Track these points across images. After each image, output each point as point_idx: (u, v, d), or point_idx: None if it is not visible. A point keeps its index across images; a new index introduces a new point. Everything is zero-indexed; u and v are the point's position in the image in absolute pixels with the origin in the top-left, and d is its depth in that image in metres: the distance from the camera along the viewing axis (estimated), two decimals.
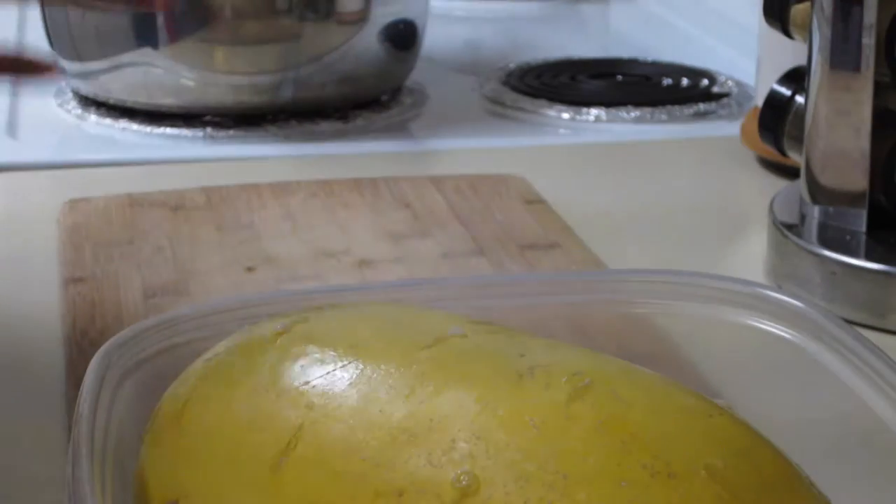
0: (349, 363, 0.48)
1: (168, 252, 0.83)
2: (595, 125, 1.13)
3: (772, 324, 0.58)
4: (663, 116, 1.14)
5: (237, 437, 0.48)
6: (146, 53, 1.08)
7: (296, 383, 0.48)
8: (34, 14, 1.19)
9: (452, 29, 1.43)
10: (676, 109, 1.15)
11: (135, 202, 0.91)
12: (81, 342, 0.72)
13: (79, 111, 1.13)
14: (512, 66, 1.27)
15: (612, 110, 1.15)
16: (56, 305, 0.78)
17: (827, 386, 0.54)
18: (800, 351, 0.56)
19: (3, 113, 1.13)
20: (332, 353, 0.49)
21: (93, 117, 1.12)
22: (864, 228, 0.79)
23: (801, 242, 0.80)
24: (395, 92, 1.18)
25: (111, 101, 1.12)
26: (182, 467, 0.49)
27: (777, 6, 0.84)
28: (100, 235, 0.86)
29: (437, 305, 0.56)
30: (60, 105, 1.15)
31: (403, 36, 1.14)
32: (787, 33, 0.84)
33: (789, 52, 0.90)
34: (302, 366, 0.49)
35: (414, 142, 1.12)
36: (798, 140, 0.83)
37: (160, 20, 1.07)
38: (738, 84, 1.21)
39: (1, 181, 0.99)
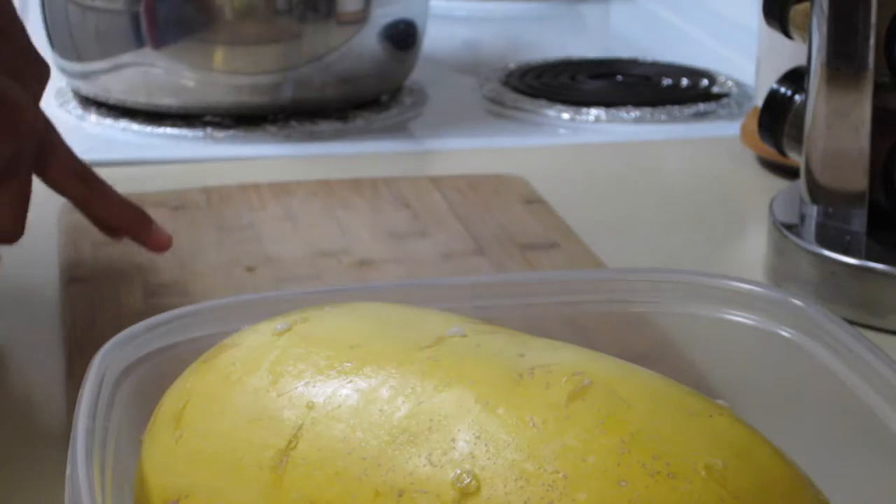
0: (349, 363, 0.48)
1: (168, 252, 0.83)
2: (595, 125, 1.13)
3: (772, 324, 0.58)
4: (663, 116, 1.14)
5: (237, 437, 0.48)
6: (146, 53, 1.08)
7: (296, 383, 0.48)
8: (34, 14, 1.19)
9: (452, 29, 1.43)
10: (676, 109, 1.15)
11: (135, 202, 0.91)
12: (81, 342, 0.72)
13: (79, 111, 1.13)
14: (512, 66, 1.27)
15: (612, 110, 1.15)
16: (56, 305, 0.78)
17: (827, 386, 0.54)
18: (800, 350, 0.56)
19: None
20: (332, 352, 0.49)
21: (93, 117, 1.12)
22: (863, 228, 0.79)
23: (800, 242, 0.80)
24: (395, 92, 1.18)
25: (111, 102, 1.12)
26: (182, 467, 0.49)
27: (777, 6, 0.84)
28: (100, 235, 0.86)
29: (437, 305, 0.56)
30: (61, 105, 1.15)
31: (403, 36, 1.14)
32: (787, 33, 0.85)
33: (789, 52, 0.90)
34: (302, 366, 0.49)
35: (414, 142, 1.12)
36: (798, 140, 0.83)
37: (160, 20, 1.07)
38: (738, 84, 1.21)
39: None
